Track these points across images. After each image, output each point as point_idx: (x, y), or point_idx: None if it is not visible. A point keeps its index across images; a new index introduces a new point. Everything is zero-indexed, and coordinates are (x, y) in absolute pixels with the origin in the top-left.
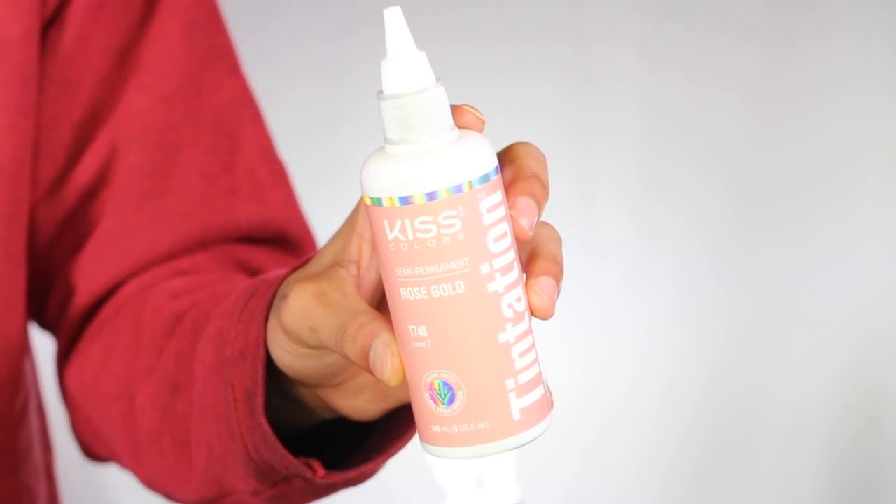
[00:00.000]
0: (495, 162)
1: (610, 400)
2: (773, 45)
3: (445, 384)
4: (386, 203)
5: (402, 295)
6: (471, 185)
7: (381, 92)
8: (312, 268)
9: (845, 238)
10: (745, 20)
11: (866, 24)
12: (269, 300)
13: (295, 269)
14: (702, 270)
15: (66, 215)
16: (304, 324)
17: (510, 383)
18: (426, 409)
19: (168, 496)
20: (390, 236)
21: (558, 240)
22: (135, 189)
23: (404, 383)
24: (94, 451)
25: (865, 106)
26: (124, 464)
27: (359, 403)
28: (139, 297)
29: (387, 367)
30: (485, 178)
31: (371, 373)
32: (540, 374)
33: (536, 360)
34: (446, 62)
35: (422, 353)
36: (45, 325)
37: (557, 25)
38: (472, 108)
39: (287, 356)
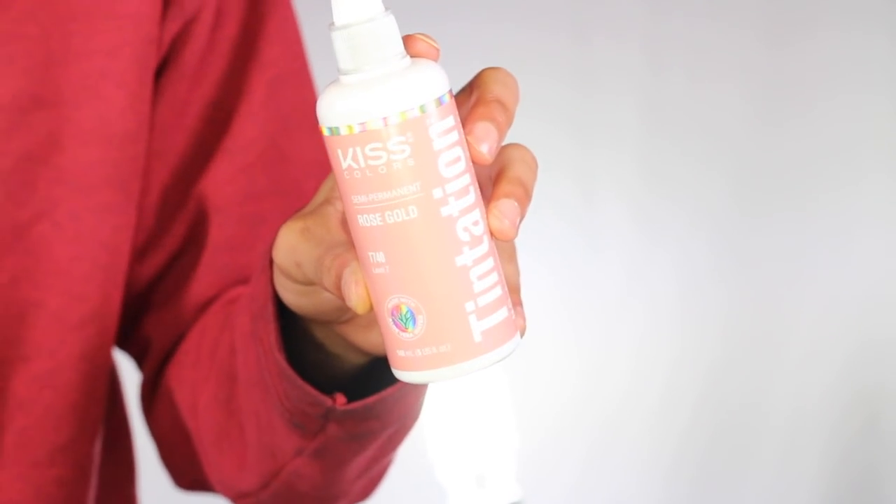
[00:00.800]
0: (447, 87)
1: (610, 398)
2: (774, 36)
3: (407, 309)
4: (342, 132)
5: (360, 222)
6: (422, 109)
7: (331, 24)
8: (306, 208)
9: (845, 235)
10: (745, 11)
11: (866, 17)
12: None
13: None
14: (702, 267)
15: (155, 275)
16: (290, 259)
17: (469, 306)
18: (391, 334)
19: (238, 493)
20: (344, 164)
21: (529, 162)
22: (216, 262)
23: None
24: (186, 480)
25: (866, 99)
26: (209, 475)
27: (373, 337)
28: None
29: (352, 294)
30: (436, 104)
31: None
32: (504, 295)
33: (499, 282)
34: (443, 63)
35: (382, 279)
36: (128, 353)
37: (556, 17)
38: (426, 36)
39: (289, 295)
